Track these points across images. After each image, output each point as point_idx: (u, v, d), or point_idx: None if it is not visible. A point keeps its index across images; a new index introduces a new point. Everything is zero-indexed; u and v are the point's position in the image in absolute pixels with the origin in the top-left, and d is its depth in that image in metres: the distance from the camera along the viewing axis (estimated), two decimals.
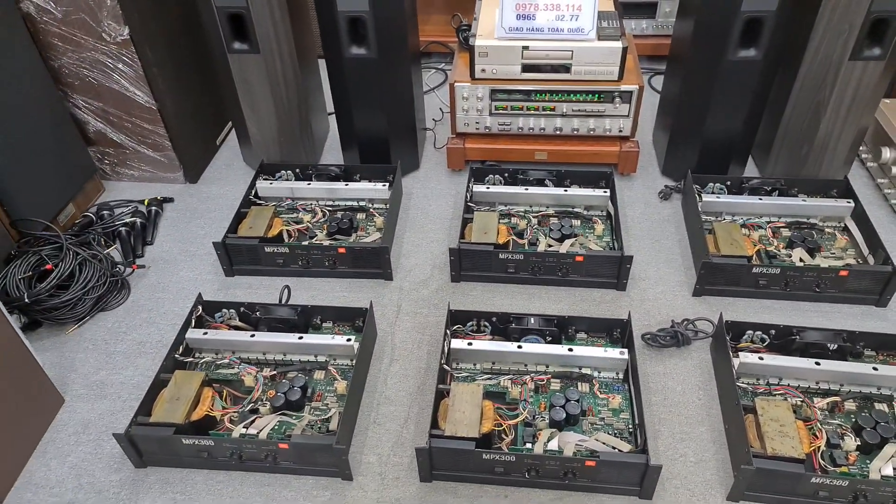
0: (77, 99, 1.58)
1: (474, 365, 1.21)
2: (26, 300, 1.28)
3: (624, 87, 1.53)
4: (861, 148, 1.70)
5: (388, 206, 1.53)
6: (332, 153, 1.83)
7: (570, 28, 1.49)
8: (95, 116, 1.62)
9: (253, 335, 1.22)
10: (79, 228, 1.54)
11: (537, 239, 1.44)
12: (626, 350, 1.16)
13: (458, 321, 1.25)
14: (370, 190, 1.54)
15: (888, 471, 1.00)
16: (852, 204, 1.44)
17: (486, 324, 1.25)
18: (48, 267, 1.33)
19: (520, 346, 1.17)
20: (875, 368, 1.12)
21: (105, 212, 1.60)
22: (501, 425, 1.09)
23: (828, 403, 1.12)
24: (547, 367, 1.19)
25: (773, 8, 1.33)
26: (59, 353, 1.31)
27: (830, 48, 1.40)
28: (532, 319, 1.23)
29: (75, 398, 1.23)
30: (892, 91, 1.78)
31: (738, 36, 1.38)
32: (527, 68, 1.53)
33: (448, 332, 1.21)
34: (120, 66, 1.51)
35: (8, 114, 1.38)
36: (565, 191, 1.50)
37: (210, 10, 1.44)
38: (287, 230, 1.48)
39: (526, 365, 1.19)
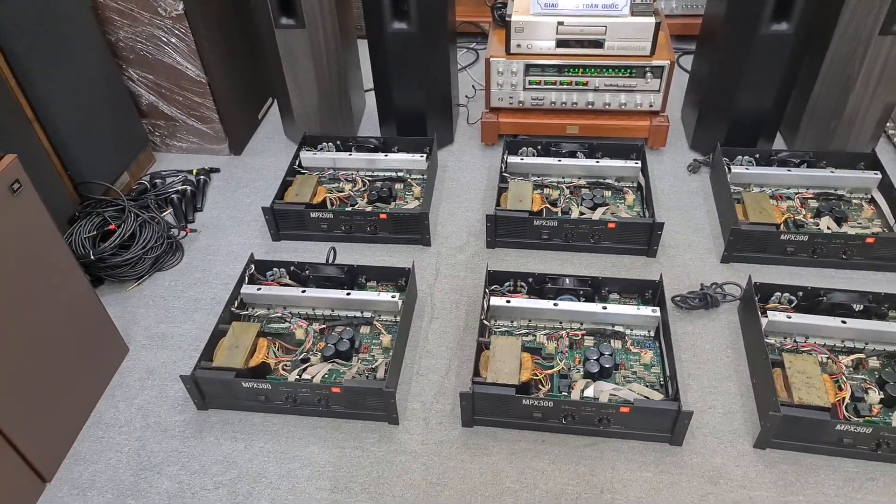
0: (132, 72, 1.67)
1: (511, 322, 1.28)
2: (91, 257, 1.37)
3: (655, 63, 1.58)
4: (888, 123, 1.73)
5: (425, 176, 1.59)
6: (368, 127, 1.90)
7: (604, 4, 1.54)
8: (148, 89, 1.70)
9: (304, 291, 1.29)
10: (136, 194, 1.62)
11: (570, 208, 1.49)
12: (657, 308, 1.22)
13: (496, 281, 1.32)
14: (408, 161, 1.61)
15: None
16: (879, 176, 1.47)
17: (523, 284, 1.31)
18: (111, 227, 1.42)
19: (556, 304, 1.24)
20: None
21: (158, 180, 1.69)
22: (539, 375, 1.16)
23: (853, 360, 1.17)
24: (581, 324, 1.25)
25: None
26: (121, 307, 1.40)
27: (860, 23, 1.44)
28: (567, 280, 1.29)
29: (139, 348, 1.32)
30: None
31: (771, 9, 1.42)
32: (561, 43, 1.59)
33: (487, 290, 1.28)
34: (173, 40, 1.59)
35: (70, 85, 1.46)
36: (597, 162, 1.56)
37: None
38: (330, 198, 1.55)
39: (561, 322, 1.26)
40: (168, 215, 1.60)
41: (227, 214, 1.63)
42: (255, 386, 1.14)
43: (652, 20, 1.53)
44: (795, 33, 1.44)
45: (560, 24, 1.56)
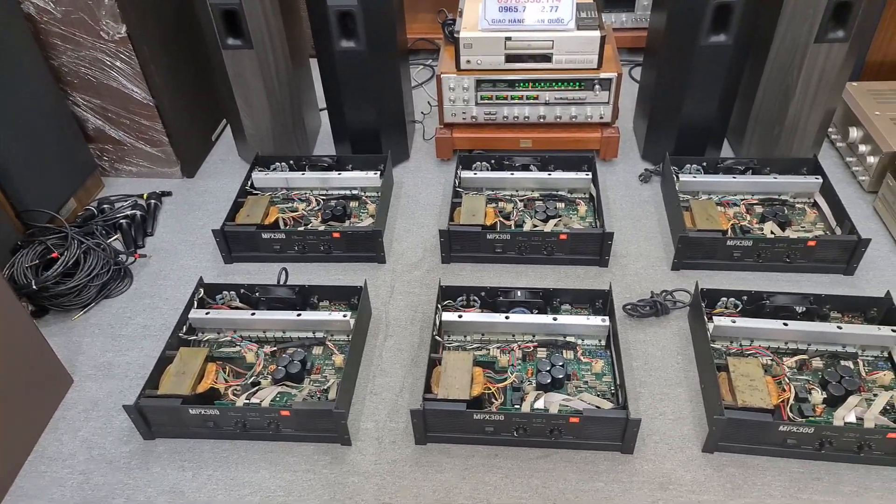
0: (77, 97, 1.64)
1: (465, 336, 1.27)
2: (34, 287, 1.33)
3: (603, 75, 1.61)
4: (830, 129, 1.78)
5: (379, 193, 1.59)
6: (324, 147, 1.90)
7: (551, 19, 1.56)
8: (95, 114, 1.68)
9: (253, 313, 1.28)
10: (81, 220, 1.59)
11: (523, 221, 1.50)
12: (607, 318, 1.23)
13: (449, 296, 1.32)
14: (362, 179, 1.61)
15: (851, 418, 1.08)
16: (820, 180, 1.51)
17: (476, 298, 1.31)
18: (54, 255, 1.39)
19: (507, 317, 1.24)
20: (839, 328, 1.19)
21: (106, 205, 1.66)
22: (491, 389, 1.16)
23: (796, 361, 1.19)
24: (533, 336, 1.26)
25: None
26: (66, 337, 1.37)
27: (797, 32, 1.48)
28: (519, 292, 1.30)
29: (84, 378, 1.29)
30: (861, 74, 1.87)
31: (709, 22, 1.46)
32: (510, 58, 1.61)
33: (439, 306, 1.28)
34: (118, 63, 1.58)
35: (12, 111, 1.43)
36: (549, 175, 1.57)
37: (205, 7, 1.50)
38: (283, 218, 1.54)
39: (514, 335, 1.26)
40: (116, 241, 1.57)
41: (178, 238, 1.61)
42: (203, 412, 1.12)
43: (597, 34, 1.56)
44: (734, 44, 1.48)
45: (508, 39, 1.58)
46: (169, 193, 1.74)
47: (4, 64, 1.40)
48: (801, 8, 1.45)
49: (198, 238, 1.60)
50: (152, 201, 1.68)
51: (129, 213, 1.62)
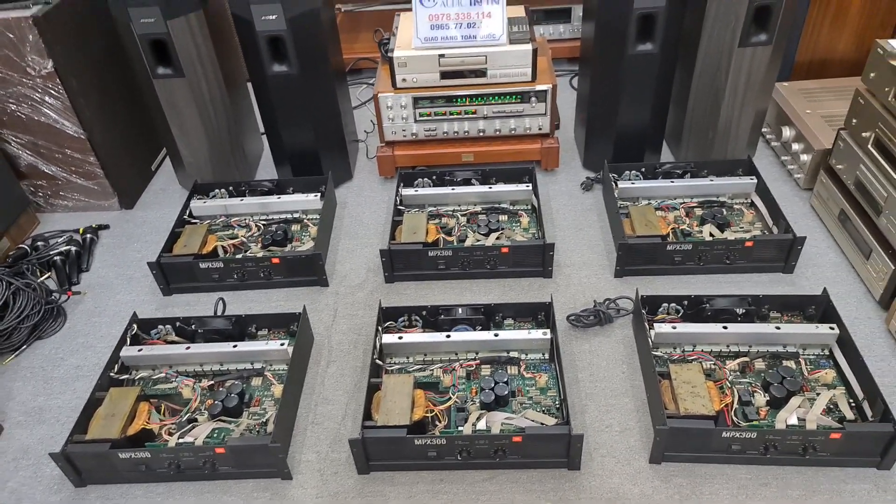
0: (6, 134, 1.59)
1: (407, 358, 1.25)
2: None
3: (538, 87, 1.61)
4: (765, 129, 1.82)
5: (320, 215, 1.57)
6: (267, 170, 1.87)
7: (483, 35, 1.57)
8: (26, 150, 1.63)
9: (188, 347, 1.24)
10: (12, 260, 1.54)
11: (466, 235, 1.49)
12: (548, 331, 1.22)
13: (390, 318, 1.30)
14: (302, 201, 1.58)
15: (793, 420, 1.08)
16: (755, 180, 1.54)
17: (417, 318, 1.29)
18: None
19: (448, 336, 1.22)
20: (778, 328, 1.19)
21: (40, 243, 1.61)
22: (433, 411, 1.13)
23: (738, 364, 1.19)
24: (476, 353, 1.24)
25: (663, 4, 1.43)
26: None
27: (721, 37, 1.51)
28: (460, 310, 1.28)
29: (14, 425, 1.23)
30: (790, 74, 1.91)
31: (634, 32, 1.47)
32: (445, 75, 1.61)
33: (380, 328, 1.25)
34: (47, 98, 1.53)
35: None
36: (490, 188, 1.57)
37: (132, 37, 1.48)
38: (222, 246, 1.51)
39: (456, 354, 1.24)
40: (49, 279, 1.52)
41: (115, 272, 1.56)
42: (133, 455, 1.08)
43: (529, 47, 1.57)
44: (661, 51, 1.50)
45: (441, 56, 1.58)
46: (106, 227, 1.70)
47: None
48: (722, 14, 1.47)
49: (135, 271, 1.56)
50: (88, 235, 1.63)
51: (63, 249, 1.57)
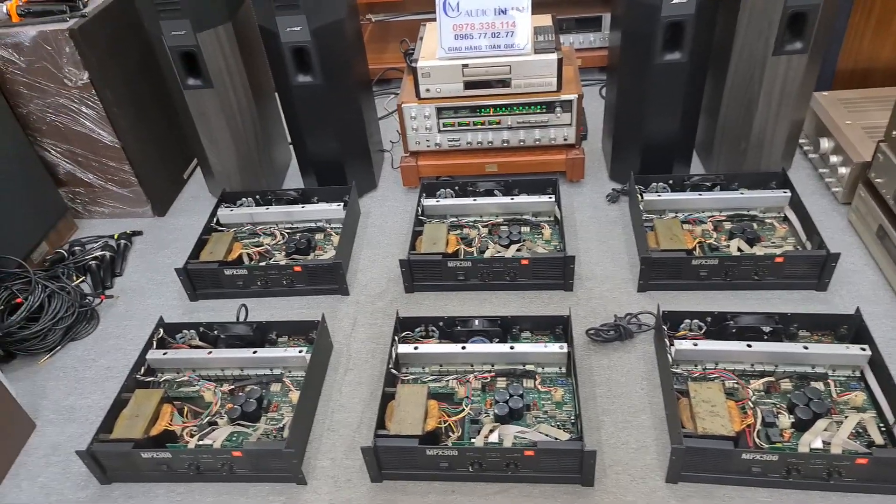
0: (46, 143, 1.67)
1: (423, 368, 1.25)
2: None
3: (564, 97, 1.60)
4: (802, 140, 1.76)
5: (343, 224, 1.59)
6: (295, 179, 1.91)
7: (507, 44, 1.57)
8: (64, 158, 1.70)
9: (210, 352, 1.27)
10: (49, 264, 1.60)
11: (486, 246, 1.49)
12: (565, 345, 1.20)
13: (407, 328, 1.30)
14: (326, 211, 1.61)
15: (817, 444, 1.03)
16: (789, 194, 1.48)
17: (434, 328, 1.29)
18: (18, 300, 1.39)
19: (463, 347, 1.22)
20: (805, 347, 1.15)
21: (77, 248, 1.67)
22: (446, 422, 1.13)
23: (763, 384, 1.15)
24: (492, 365, 1.23)
25: (692, 11, 1.40)
26: (31, 381, 1.37)
27: (754, 46, 1.47)
28: (477, 321, 1.28)
29: (46, 423, 1.29)
30: (832, 83, 1.85)
31: (661, 41, 1.45)
32: (468, 85, 1.61)
33: (396, 338, 1.26)
34: (83, 108, 1.60)
35: None
36: (512, 199, 1.56)
37: (164, 49, 1.53)
38: (247, 253, 1.54)
39: (472, 365, 1.24)
40: (84, 283, 1.58)
41: (146, 278, 1.62)
42: (155, 456, 1.11)
43: (554, 56, 1.56)
44: (689, 61, 1.47)
45: (465, 66, 1.58)
46: (140, 233, 1.76)
47: None
48: (756, 21, 1.43)
49: (165, 277, 1.61)
50: (122, 241, 1.69)
51: (98, 254, 1.63)
